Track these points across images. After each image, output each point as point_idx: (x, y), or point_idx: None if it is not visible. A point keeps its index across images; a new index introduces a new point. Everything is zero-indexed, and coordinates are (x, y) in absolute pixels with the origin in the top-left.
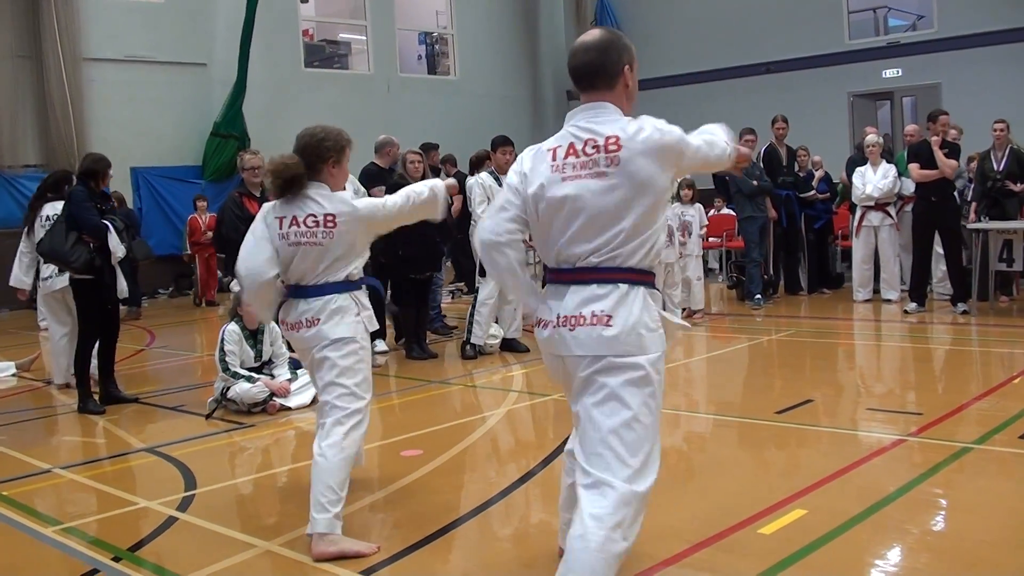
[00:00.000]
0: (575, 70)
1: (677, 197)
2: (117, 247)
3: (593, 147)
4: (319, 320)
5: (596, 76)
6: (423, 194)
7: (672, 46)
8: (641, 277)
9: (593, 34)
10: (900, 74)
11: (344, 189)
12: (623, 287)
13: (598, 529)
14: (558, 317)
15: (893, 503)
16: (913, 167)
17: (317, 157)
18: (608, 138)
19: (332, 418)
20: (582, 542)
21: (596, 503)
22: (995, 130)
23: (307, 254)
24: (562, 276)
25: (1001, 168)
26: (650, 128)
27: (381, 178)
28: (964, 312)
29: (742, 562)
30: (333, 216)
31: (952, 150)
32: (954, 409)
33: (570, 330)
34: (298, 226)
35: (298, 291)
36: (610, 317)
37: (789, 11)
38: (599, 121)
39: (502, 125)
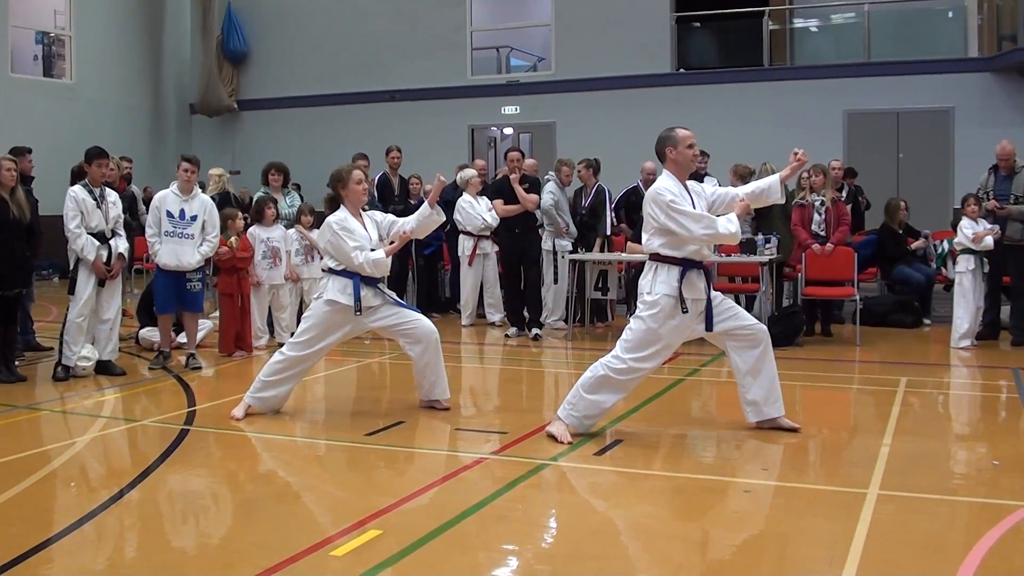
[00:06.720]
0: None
1: (299, 222)
2: None
3: None
4: None
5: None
6: None
7: (298, 67)
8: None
9: None
10: (519, 111)
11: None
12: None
13: None
14: None
15: (468, 518)
16: (497, 203)
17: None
18: None
19: None
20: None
21: None
22: (578, 172)
23: None
24: None
25: (587, 204)
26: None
27: None
28: (536, 337)
29: None
30: None
31: (533, 184)
32: (537, 428)
33: None
34: None
35: None
36: None
37: (416, 43)
38: None
39: (119, 134)
